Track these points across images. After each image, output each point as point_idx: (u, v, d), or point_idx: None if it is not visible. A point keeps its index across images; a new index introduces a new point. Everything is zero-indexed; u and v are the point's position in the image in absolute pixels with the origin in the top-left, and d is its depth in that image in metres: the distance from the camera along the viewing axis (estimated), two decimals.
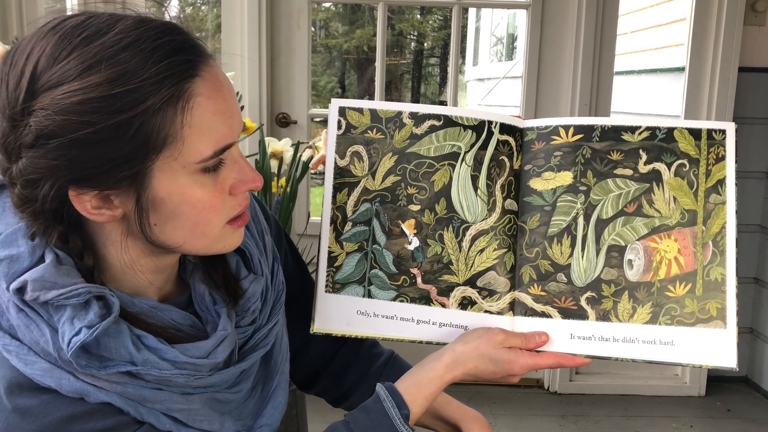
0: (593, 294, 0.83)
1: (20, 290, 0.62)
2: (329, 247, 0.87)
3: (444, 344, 0.84)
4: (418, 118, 0.86)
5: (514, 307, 0.84)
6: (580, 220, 0.83)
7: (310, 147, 1.67)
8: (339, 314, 0.86)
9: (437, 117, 0.85)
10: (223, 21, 2.38)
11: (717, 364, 0.81)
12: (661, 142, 0.83)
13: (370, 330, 0.86)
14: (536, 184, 0.85)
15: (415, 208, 0.85)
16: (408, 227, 0.86)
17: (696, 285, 0.82)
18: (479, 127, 0.85)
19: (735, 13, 2.39)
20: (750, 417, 2.48)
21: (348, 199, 0.87)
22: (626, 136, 0.83)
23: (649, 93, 4.06)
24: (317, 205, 0.94)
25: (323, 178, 0.89)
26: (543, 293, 0.83)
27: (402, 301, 0.85)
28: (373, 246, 0.86)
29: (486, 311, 0.84)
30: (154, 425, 0.67)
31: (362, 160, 0.87)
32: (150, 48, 0.59)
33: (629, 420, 2.44)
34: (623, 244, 0.83)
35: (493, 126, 0.85)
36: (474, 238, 0.84)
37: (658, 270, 0.82)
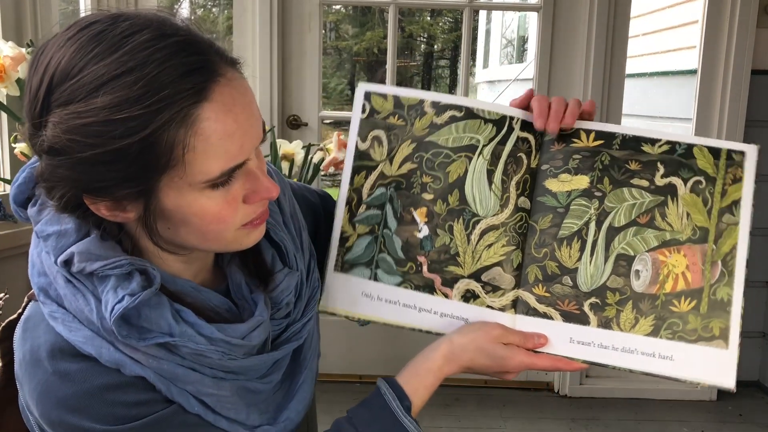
0: (597, 300, 0.83)
1: (67, 263, 0.65)
2: (342, 228, 0.88)
3: (443, 335, 0.84)
4: (439, 108, 0.86)
5: (517, 305, 0.84)
6: (592, 226, 0.83)
7: (321, 149, 1.67)
8: (345, 294, 0.87)
9: (459, 108, 0.85)
10: (234, 24, 2.39)
11: (715, 383, 0.81)
12: (679, 157, 0.83)
13: (373, 313, 0.86)
14: (552, 184, 0.84)
15: (428, 196, 0.86)
16: (419, 215, 0.86)
17: (701, 302, 0.82)
18: (500, 122, 0.85)
19: (748, 16, 2.38)
20: (762, 422, 2.46)
21: (365, 182, 0.87)
22: (646, 148, 0.84)
23: (661, 96, 4.03)
24: None
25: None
26: (547, 294, 0.83)
27: (406, 287, 0.86)
28: (384, 230, 0.87)
29: (488, 306, 0.84)
30: (183, 406, 0.68)
31: (382, 144, 0.87)
32: (155, 73, 0.58)
33: (640, 424, 2.42)
34: (632, 254, 0.83)
35: (514, 122, 0.85)
36: (483, 233, 0.84)
37: (664, 283, 0.82)
